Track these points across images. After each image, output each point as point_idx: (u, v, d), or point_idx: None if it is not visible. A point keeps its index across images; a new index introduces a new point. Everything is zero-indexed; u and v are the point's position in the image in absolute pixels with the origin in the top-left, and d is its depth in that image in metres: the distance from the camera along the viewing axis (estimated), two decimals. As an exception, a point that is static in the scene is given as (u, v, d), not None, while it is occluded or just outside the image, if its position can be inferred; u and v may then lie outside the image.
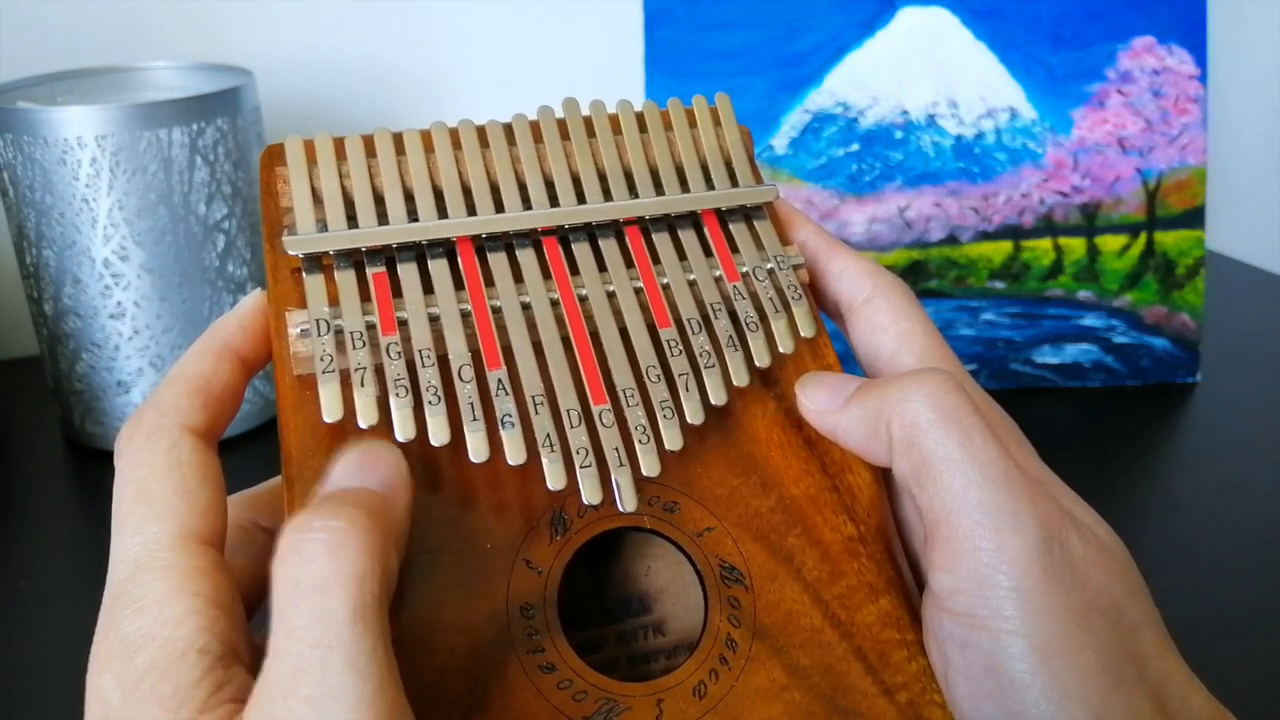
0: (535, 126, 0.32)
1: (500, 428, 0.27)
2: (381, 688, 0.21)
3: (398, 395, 0.27)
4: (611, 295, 0.30)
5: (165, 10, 0.75)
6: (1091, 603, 0.25)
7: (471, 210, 0.30)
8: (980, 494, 0.25)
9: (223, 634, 0.24)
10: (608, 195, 0.32)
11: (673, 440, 0.28)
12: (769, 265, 0.31)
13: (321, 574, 0.22)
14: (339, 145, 0.31)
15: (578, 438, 0.27)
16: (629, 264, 0.31)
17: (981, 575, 0.25)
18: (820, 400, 0.29)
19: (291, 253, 0.29)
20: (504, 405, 0.27)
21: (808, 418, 0.30)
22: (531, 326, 0.29)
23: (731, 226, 0.32)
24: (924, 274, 0.70)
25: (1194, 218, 0.70)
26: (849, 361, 0.32)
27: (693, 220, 0.32)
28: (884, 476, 0.30)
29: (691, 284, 0.31)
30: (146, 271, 0.61)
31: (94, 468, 0.65)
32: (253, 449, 0.64)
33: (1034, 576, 0.24)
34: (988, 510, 0.25)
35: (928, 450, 0.26)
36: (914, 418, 0.26)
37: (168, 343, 0.62)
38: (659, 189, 0.32)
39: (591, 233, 0.31)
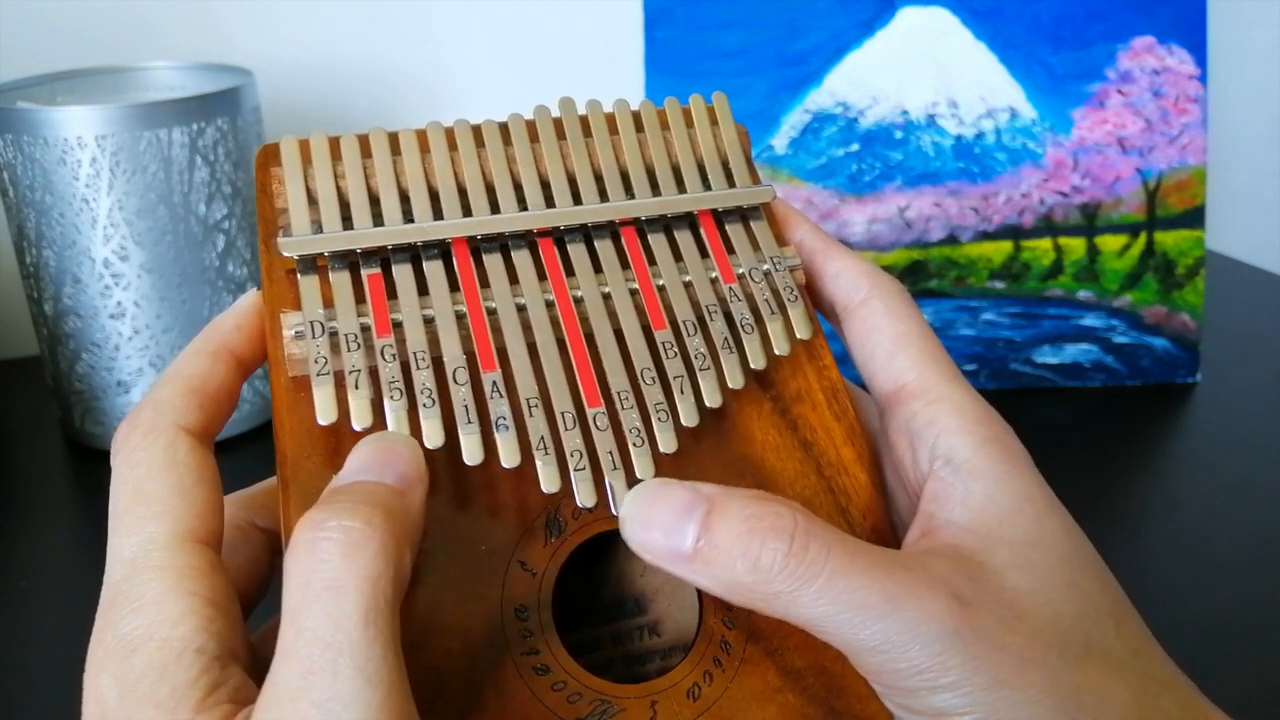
0: (531, 126, 0.32)
1: (495, 430, 0.27)
2: (390, 694, 0.21)
3: (392, 397, 0.27)
4: (607, 297, 0.30)
5: (165, 10, 0.75)
6: (1019, 660, 0.24)
7: (467, 211, 0.30)
8: (869, 632, 0.24)
9: (220, 634, 0.24)
10: (604, 196, 0.32)
11: (667, 443, 0.28)
12: (765, 267, 0.31)
13: (335, 574, 0.22)
14: (334, 145, 0.31)
15: (572, 440, 0.27)
16: (625, 265, 0.31)
17: (906, 686, 0.25)
18: (660, 550, 0.25)
19: (286, 254, 0.29)
20: (499, 408, 0.27)
21: (645, 558, 0.26)
22: (526, 328, 0.29)
23: (728, 227, 0.32)
24: (924, 274, 0.70)
25: (1194, 218, 0.70)
26: (846, 363, 0.31)
27: (689, 221, 0.32)
28: (880, 478, 0.30)
29: (687, 286, 0.31)
30: (146, 271, 0.61)
31: (94, 468, 0.65)
32: (252, 449, 0.64)
33: (953, 671, 0.24)
34: (884, 641, 0.24)
35: (802, 618, 0.25)
36: (774, 595, 0.25)
37: (168, 343, 0.62)
38: (655, 189, 0.32)
39: (587, 234, 0.31)
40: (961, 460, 0.27)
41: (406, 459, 0.25)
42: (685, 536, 0.25)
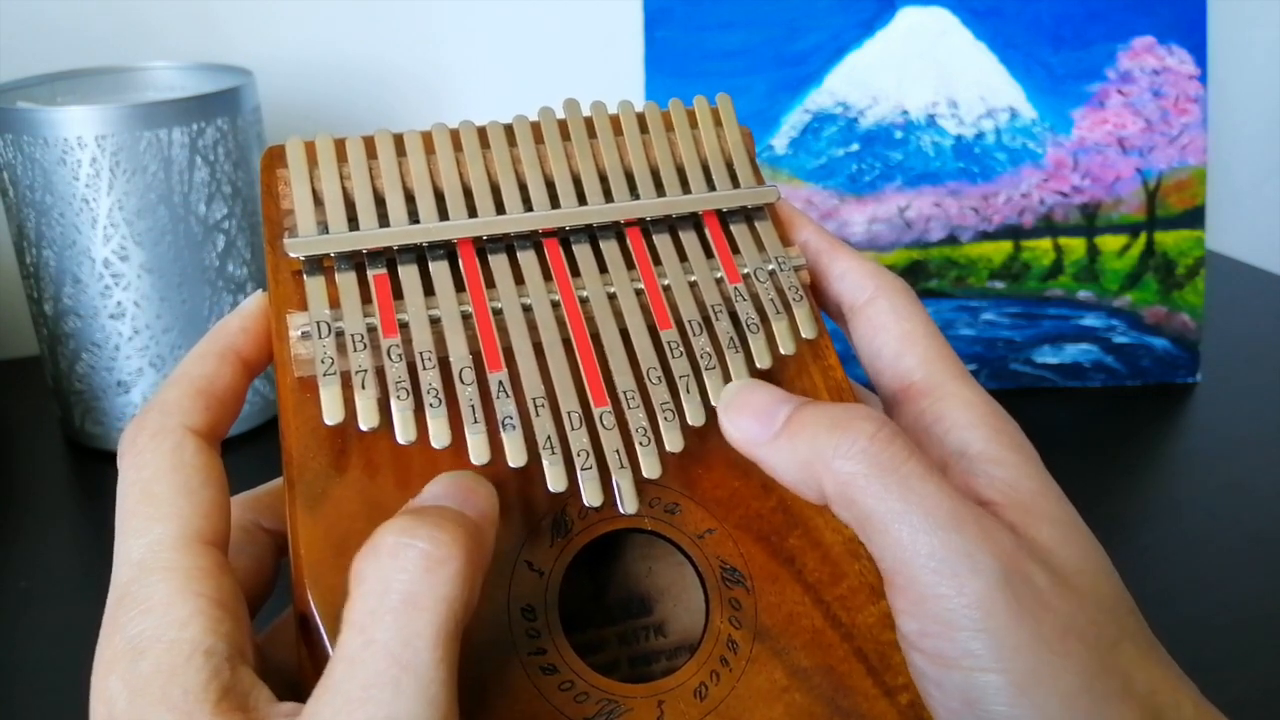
0: (536, 127, 0.32)
1: (501, 430, 0.27)
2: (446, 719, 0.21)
3: (399, 397, 0.27)
4: (612, 297, 0.30)
5: (165, 10, 0.75)
6: (1064, 628, 0.24)
7: (472, 212, 0.30)
8: (930, 541, 0.24)
9: (228, 635, 0.24)
10: (609, 196, 0.32)
11: (674, 442, 0.28)
12: (770, 266, 0.31)
13: (414, 588, 0.21)
14: (340, 146, 0.31)
15: (579, 439, 0.27)
16: (630, 265, 0.31)
17: (947, 619, 0.24)
18: (748, 429, 0.27)
19: (292, 255, 0.29)
20: (505, 407, 0.27)
21: (731, 443, 0.28)
22: (532, 328, 0.29)
23: (733, 227, 0.32)
24: (924, 274, 0.70)
25: (1194, 218, 0.70)
26: (850, 362, 0.31)
27: (694, 221, 0.32)
28: None
29: (692, 285, 0.31)
30: (146, 271, 0.61)
31: (94, 468, 0.65)
32: (253, 449, 0.64)
33: (999, 614, 0.24)
34: (941, 557, 0.24)
35: (868, 507, 0.25)
36: (848, 475, 0.25)
37: (168, 343, 0.62)
38: (660, 190, 0.32)
39: (592, 234, 0.31)
40: (975, 452, 0.28)
41: (485, 499, 0.25)
42: (777, 418, 0.27)
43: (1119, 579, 0.27)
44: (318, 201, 0.30)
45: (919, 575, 0.24)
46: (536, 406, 0.28)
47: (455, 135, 0.31)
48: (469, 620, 0.23)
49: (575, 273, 0.30)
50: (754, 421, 0.27)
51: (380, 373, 0.28)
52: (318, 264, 0.29)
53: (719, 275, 0.31)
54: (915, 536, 0.24)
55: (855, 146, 0.69)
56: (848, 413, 0.26)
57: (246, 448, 0.64)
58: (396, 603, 0.21)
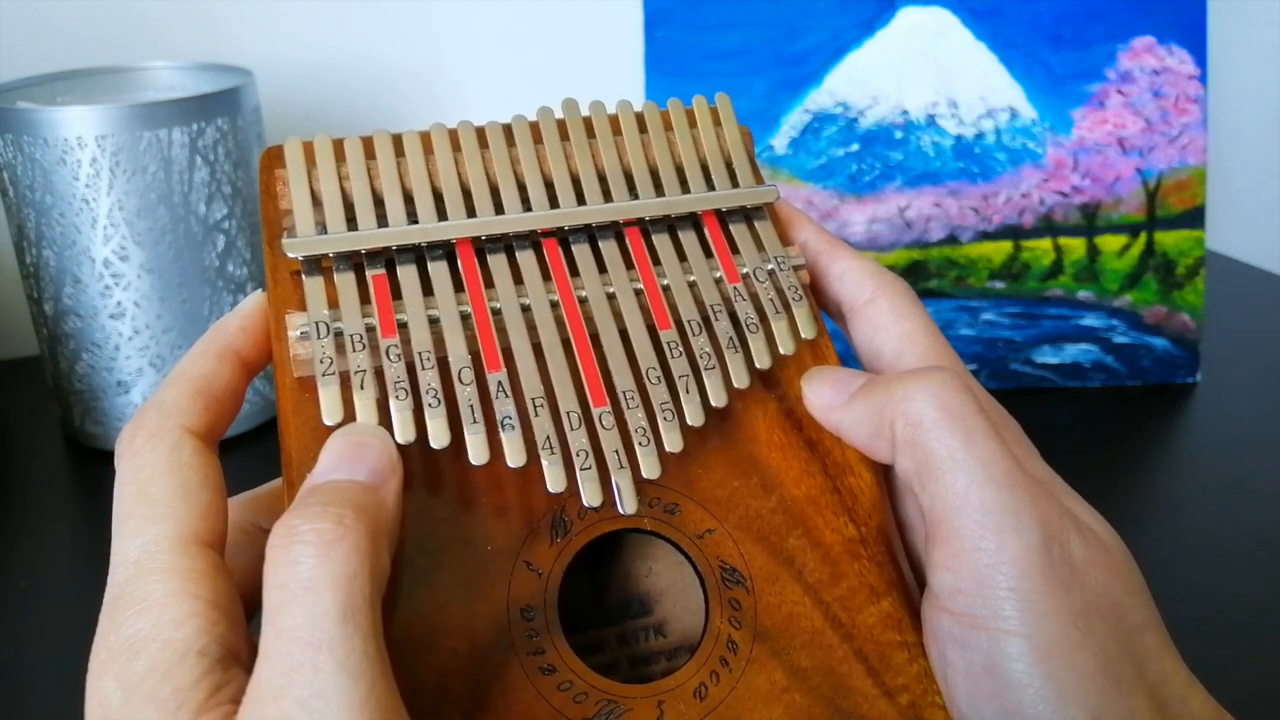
0: (535, 128, 0.32)
1: (500, 430, 0.27)
2: (373, 688, 0.21)
3: (398, 397, 0.27)
4: (611, 297, 0.30)
5: (165, 10, 0.75)
6: (1091, 604, 0.25)
7: (471, 212, 0.30)
8: (982, 494, 0.25)
9: (223, 636, 0.24)
10: (608, 196, 0.32)
11: (673, 442, 0.28)
12: (770, 266, 0.31)
13: (310, 576, 0.22)
14: (338, 147, 0.31)
15: (578, 440, 0.27)
16: (629, 265, 0.31)
17: (982, 575, 0.25)
18: (825, 396, 0.29)
19: (291, 255, 0.29)
20: (504, 407, 0.27)
21: (813, 413, 0.30)
22: (531, 328, 0.29)
23: (732, 227, 0.32)
24: (924, 274, 0.70)
25: (1194, 218, 0.70)
26: (850, 362, 0.31)
27: (693, 221, 0.32)
28: (885, 478, 0.30)
29: (692, 285, 0.31)
30: (146, 271, 0.61)
31: (94, 468, 0.65)
32: (252, 449, 0.64)
33: (1034, 577, 0.24)
34: (989, 511, 0.25)
35: (931, 449, 0.26)
36: (918, 416, 0.26)
37: (168, 343, 0.62)
38: (659, 190, 0.32)
39: (591, 234, 0.31)
40: None
41: (376, 451, 0.25)
42: (853, 385, 0.29)
43: (1139, 570, 0.27)
44: (316, 202, 0.30)
45: (965, 525, 0.25)
46: (535, 407, 0.28)
47: (454, 135, 0.31)
48: (383, 587, 0.23)
49: (574, 273, 0.30)
50: (832, 388, 0.29)
51: (379, 373, 0.28)
52: (316, 264, 0.29)
53: (718, 275, 0.31)
54: (969, 486, 0.25)
55: (855, 146, 0.69)
56: (921, 367, 0.28)
57: (246, 448, 0.64)
58: (298, 590, 0.22)
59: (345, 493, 0.23)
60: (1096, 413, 0.69)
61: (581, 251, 0.31)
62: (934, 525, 0.26)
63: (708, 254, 0.31)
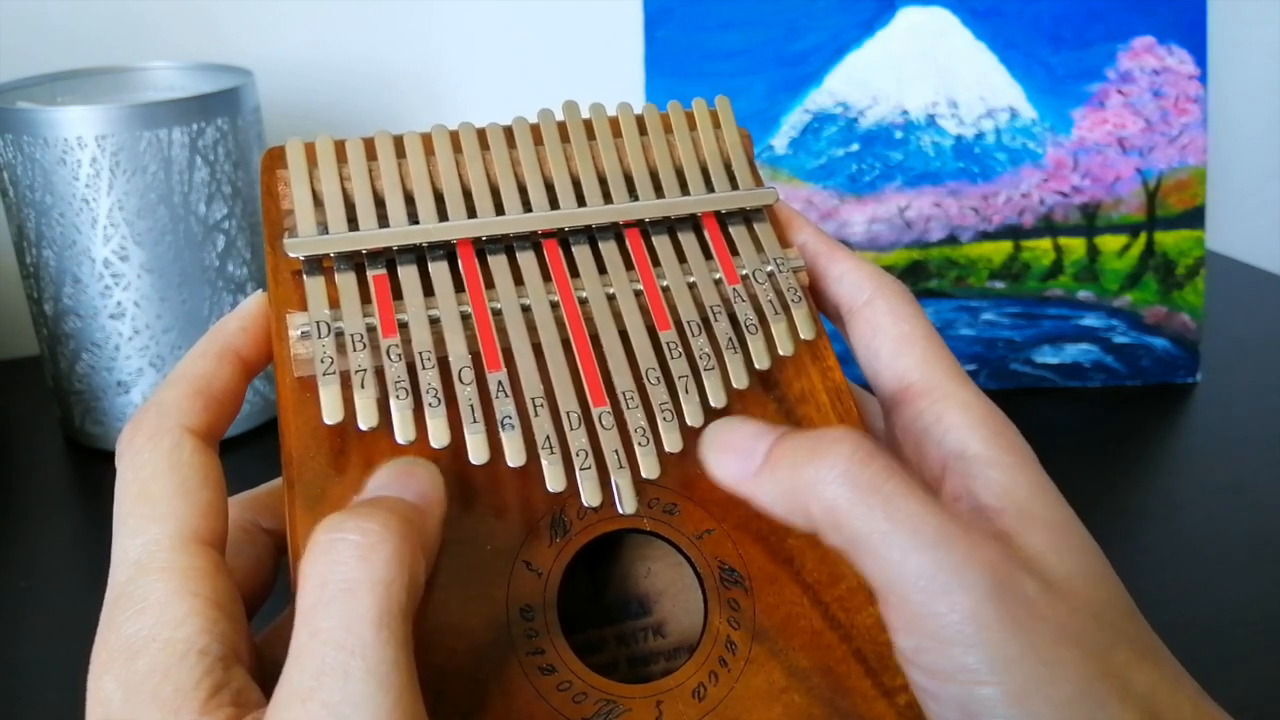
0: (535, 129, 0.32)
1: (500, 429, 0.27)
2: (401, 699, 0.21)
3: (398, 397, 0.27)
4: (611, 298, 0.30)
5: (165, 10, 0.75)
6: (1056, 635, 0.24)
7: (472, 213, 0.30)
8: (919, 561, 0.24)
9: (223, 635, 0.24)
10: (608, 198, 0.32)
11: (672, 442, 0.28)
12: (769, 268, 0.31)
13: (350, 576, 0.22)
14: (339, 148, 0.31)
15: (577, 439, 0.27)
16: (629, 266, 0.31)
17: (940, 636, 0.24)
18: (730, 469, 0.27)
19: (292, 255, 0.29)
20: (504, 407, 0.27)
21: (719, 485, 0.28)
22: (531, 329, 0.29)
23: (731, 229, 0.32)
24: (924, 274, 0.70)
25: (1194, 218, 0.70)
26: (849, 363, 0.31)
27: (693, 223, 0.32)
28: None
29: (691, 286, 0.31)
30: (146, 271, 0.61)
31: (94, 468, 0.65)
32: (252, 449, 0.64)
33: (992, 628, 0.24)
34: (930, 575, 0.24)
35: (855, 530, 0.25)
36: (831, 501, 0.25)
37: (168, 343, 0.62)
38: (659, 191, 0.32)
39: (591, 235, 0.31)
40: (973, 453, 0.27)
41: (425, 479, 0.25)
42: (756, 454, 0.26)
43: (1117, 581, 0.27)
44: (317, 202, 0.30)
45: (910, 595, 0.24)
46: (535, 406, 0.28)
47: (455, 137, 0.32)
48: (417, 600, 0.23)
49: (574, 273, 0.30)
50: (735, 459, 0.27)
51: (380, 373, 0.28)
52: (317, 264, 0.29)
53: (718, 276, 0.31)
54: (904, 557, 0.24)
55: (855, 146, 0.69)
56: (825, 437, 0.26)
57: (246, 447, 0.64)
58: (335, 592, 0.22)
59: (393, 504, 0.24)
60: (1096, 413, 0.69)
61: (582, 252, 0.31)
62: (881, 593, 0.25)
63: (707, 255, 0.31)
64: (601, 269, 0.31)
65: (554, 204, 0.31)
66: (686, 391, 0.29)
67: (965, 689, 0.24)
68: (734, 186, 0.33)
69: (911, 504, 0.25)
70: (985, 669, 0.24)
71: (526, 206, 0.31)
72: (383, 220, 0.30)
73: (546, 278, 0.30)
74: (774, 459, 0.26)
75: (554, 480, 0.27)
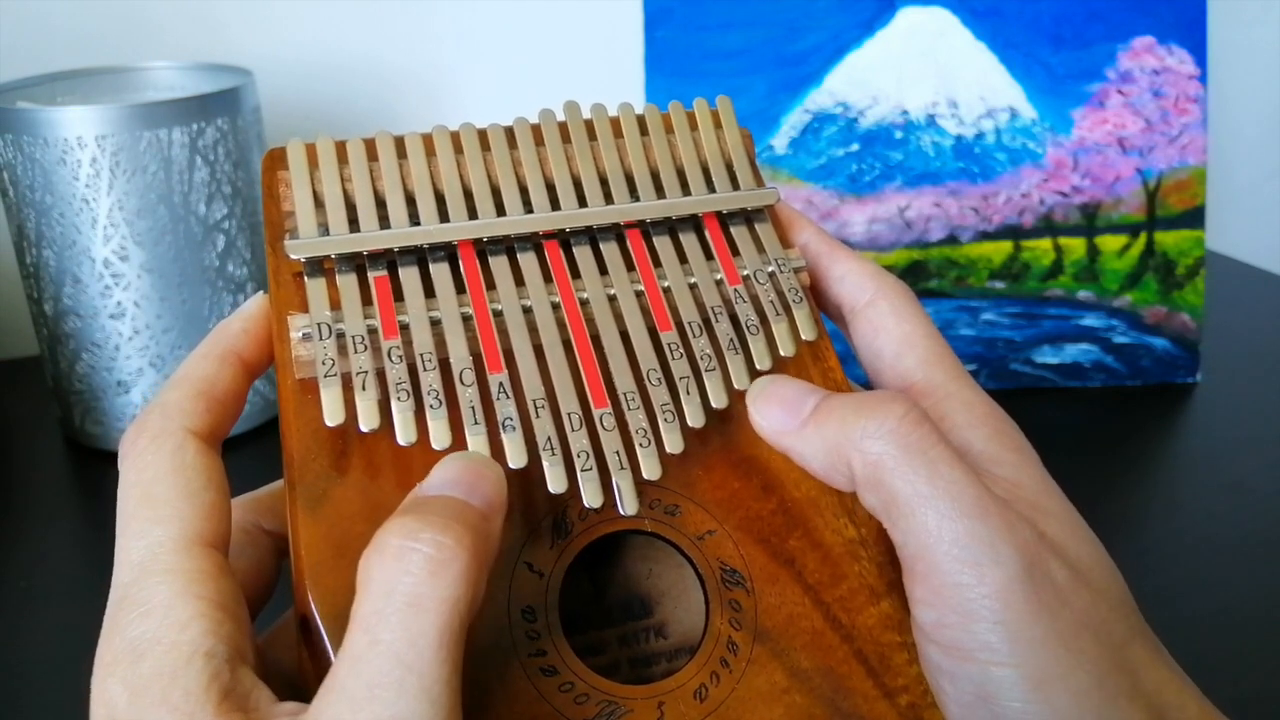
0: (536, 130, 0.32)
1: (501, 431, 0.27)
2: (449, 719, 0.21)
3: (399, 399, 0.27)
4: (613, 298, 0.30)
5: (165, 9, 0.75)
6: (1079, 623, 0.24)
7: (473, 213, 0.30)
8: (955, 528, 0.24)
9: (229, 637, 0.24)
10: (609, 198, 0.32)
11: (674, 443, 0.28)
12: (770, 268, 0.31)
13: (419, 591, 0.21)
14: (340, 149, 0.31)
15: (579, 441, 0.27)
16: (630, 267, 0.31)
17: (965, 609, 0.24)
18: (775, 419, 0.28)
19: (293, 257, 0.29)
20: (505, 408, 0.27)
21: (761, 435, 0.28)
22: (533, 330, 0.29)
23: (732, 229, 0.32)
24: (924, 274, 0.70)
25: (1194, 218, 0.70)
26: (850, 363, 0.31)
27: (694, 223, 0.32)
28: None
29: (692, 287, 0.31)
30: (146, 271, 0.61)
31: (94, 468, 0.65)
32: (253, 449, 0.64)
33: (1018, 607, 0.24)
34: (965, 544, 0.24)
35: (896, 489, 0.25)
36: (877, 457, 0.25)
37: (168, 343, 0.62)
38: (660, 192, 0.32)
39: (593, 236, 0.31)
40: (977, 452, 0.28)
41: (492, 484, 0.25)
42: (804, 407, 0.27)
43: (1123, 579, 0.27)
44: (318, 203, 0.30)
45: (941, 562, 0.24)
46: (537, 408, 0.28)
47: (456, 137, 0.31)
48: (473, 616, 0.23)
49: (575, 274, 0.30)
50: (782, 411, 0.28)
51: (381, 374, 0.28)
52: (318, 266, 0.29)
53: (719, 277, 0.31)
54: (941, 522, 0.24)
55: (855, 146, 0.69)
56: (876, 396, 0.26)
57: (247, 448, 0.64)
58: (401, 604, 0.21)
59: (465, 514, 0.23)
60: (1096, 413, 0.69)
61: (583, 253, 0.31)
62: (910, 561, 0.25)
63: (708, 256, 0.31)
64: (603, 270, 0.31)
65: (555, 205, 0.31)
66: (688, 392, 0.29)
67: (983, 668, 0.24)
68: (735, 187, 0.33)
69: (956, 472, 0.25)
70: (1006, 649, 0.24)
71: (528, 207, 0.31)
72: (384, 221, 0.30)
73: (548, 279, 0.30)
74: (821, 413, 0.27)
75: (555, 481, 0.27)
